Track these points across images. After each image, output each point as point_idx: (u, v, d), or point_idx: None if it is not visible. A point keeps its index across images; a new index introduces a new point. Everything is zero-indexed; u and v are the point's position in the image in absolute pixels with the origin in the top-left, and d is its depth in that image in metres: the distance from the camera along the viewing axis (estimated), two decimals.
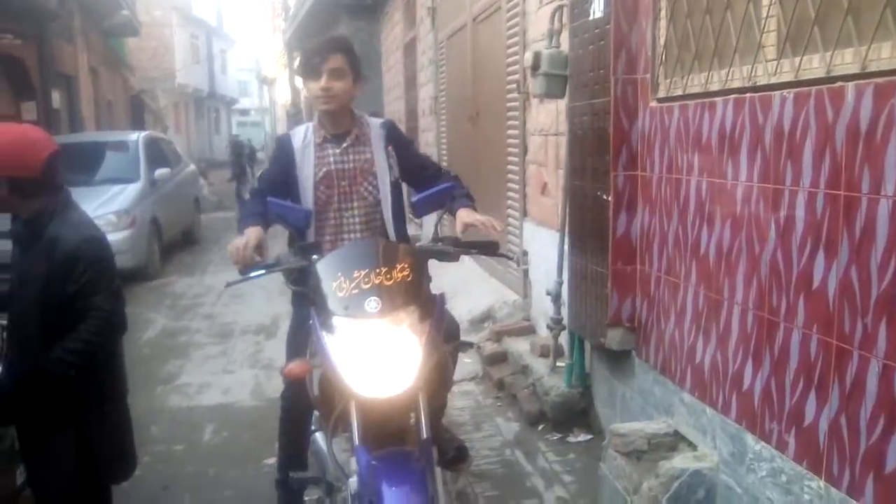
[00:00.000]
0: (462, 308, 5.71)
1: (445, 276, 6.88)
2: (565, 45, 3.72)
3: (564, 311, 3.92)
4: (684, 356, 2.80)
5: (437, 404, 2.70)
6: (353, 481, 2.11)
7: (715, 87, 2.50)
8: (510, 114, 5.25)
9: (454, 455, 3.10)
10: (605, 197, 3.18)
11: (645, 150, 3.04)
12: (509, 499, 3.21)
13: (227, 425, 4.15)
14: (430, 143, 8.84)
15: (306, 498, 2.66)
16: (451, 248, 2.43)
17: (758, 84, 2.26)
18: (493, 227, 2.51)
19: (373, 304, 2.07)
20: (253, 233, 2.51)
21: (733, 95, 2.38)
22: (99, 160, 9.09)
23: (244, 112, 44.79)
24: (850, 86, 1.87)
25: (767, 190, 2.24)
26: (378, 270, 2.12)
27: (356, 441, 2.08)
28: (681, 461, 2.65)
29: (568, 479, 3.35)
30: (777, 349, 2.24)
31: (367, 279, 2.11)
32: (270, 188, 2.77)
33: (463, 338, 5.25)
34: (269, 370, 4.94)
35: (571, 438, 3.72)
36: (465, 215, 2.58)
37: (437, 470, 2.13)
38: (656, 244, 3.00)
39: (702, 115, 2.57)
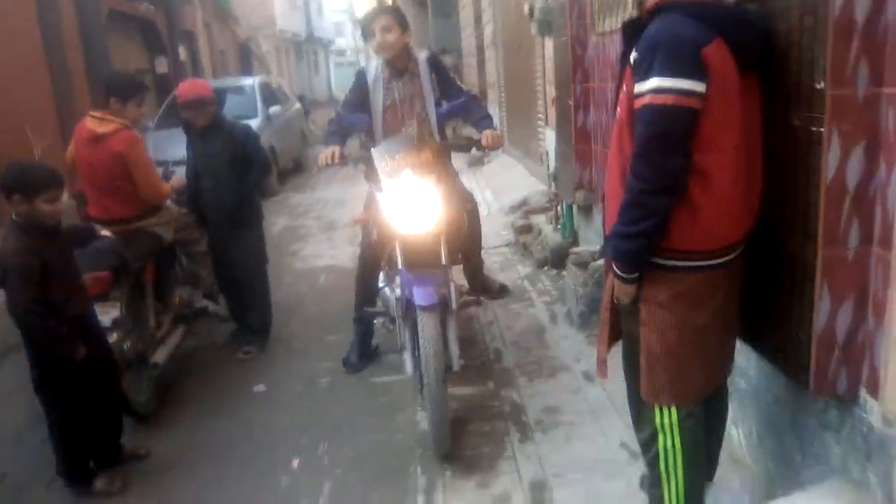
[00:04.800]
0: (507, 198, 7.46)
1: (500, 177, 8.58)
2: None
3: None
4: None
5: (463, 248, 3.91)
6: (398, 290, 3.38)
7: (607, 28, 4.05)
8: (536, 47, 6.79)
9: (500, 289, 4.76)
10: (569, 102, 4.78)
11: (591, 69, 4.61)
12: (512, 303, 4.94)
13: (332, 276, 6.10)
14: (492, 72, 10.39)
15: (375, 322, 4.07)
16: (459, 142, 3.85)
17: (614, 29, 3.82)
18: (500, 141, 3.77)
19: (407, 173, 3.13)
20: (334, 148, 3.61)
21: (613, 34, 3.94)
22: (224, 102, 11.11)
23: (340, 53, 46.48)
24: None
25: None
26: (410, 153, 3.19)
27: (399, 265, 3.23)
28: (601, 261, 4.30)
29: (554, 293, 5.05)
30: None
31: (403, 159, 3.18)
32: (350, 110, 3.89)
33: (506, 216, 6.96)
34: None
35: (563, 272, 5.39)
36: (488, 133, 3.67)
37: (451, 283, 3.25)
38: (599, 130, 4.59)
39: (605, 46, 4.13)
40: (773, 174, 2.08)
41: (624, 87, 2.07)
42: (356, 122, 3.83)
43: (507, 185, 8.06)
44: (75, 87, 10.08)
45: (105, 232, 3.52)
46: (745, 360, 2.63)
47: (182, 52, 15.24)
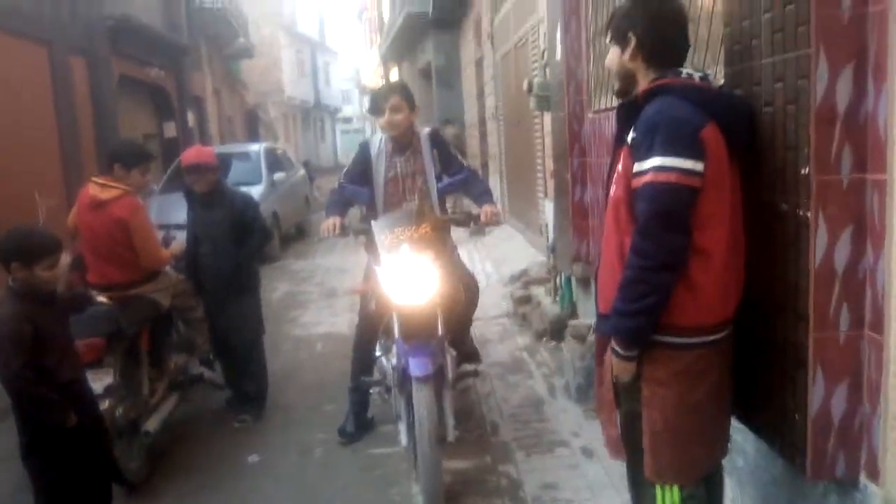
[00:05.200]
0: (507, 268, 7.49)
1: (500, 248, 8.63)
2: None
3: None
4: None
5: (457, 319, 3.83)
6: (393, 360, 3.43)
7: (602, 106, 4.15)
8: (535, 121, 6.95)
9: (472, 353, 4.69)
10: (567, 176, 4.85)
11: (588, 145, 4.70)
12: (510, 374, 4.93)
13: (331, 344, 6.07)
14: (493, 143, 10.59)
15: (371, 392, 3.99)
16: (458, 217, 3.92)
17: (609, 107, 3.92)
18: (499, 217, 3.82)
19: (405, 248, 3.23)
20: (335, 219, 3.70)
21: (608, 112, 4.03)
22: (229, 167, 11.28)
23: (346, 120, 47.31)
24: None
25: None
26: (409, 228, 3.30)
27: (396, 335, 3.30)
28: None
29: (552, 364, 5.02)
30: None
31: (402, 233, 3.28)
32: (351, 180, 3.92)
33: (505, 287, 6.96)
34: None
35: (562, 344, 5.37)
36: (487, 209, 3.73)
37: (448, 355, 3.37)
38: (596, 205, 4.64)
39: (601, 123, 4.22)
40: (761, 256, 2.11)
41: (620, 167, 2.12)
42: (357, 195, 3.89)
43: (507, 255, 8.12)
44: (83, 149, 10.28)
45: (101, 298, 3.53)
46: (743, 439, 2.61)
47: (190, 118, 15.56)
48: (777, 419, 2.13)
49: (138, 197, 3.94)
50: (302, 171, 14.45)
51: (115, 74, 11.88)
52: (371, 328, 3.89)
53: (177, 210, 4.47)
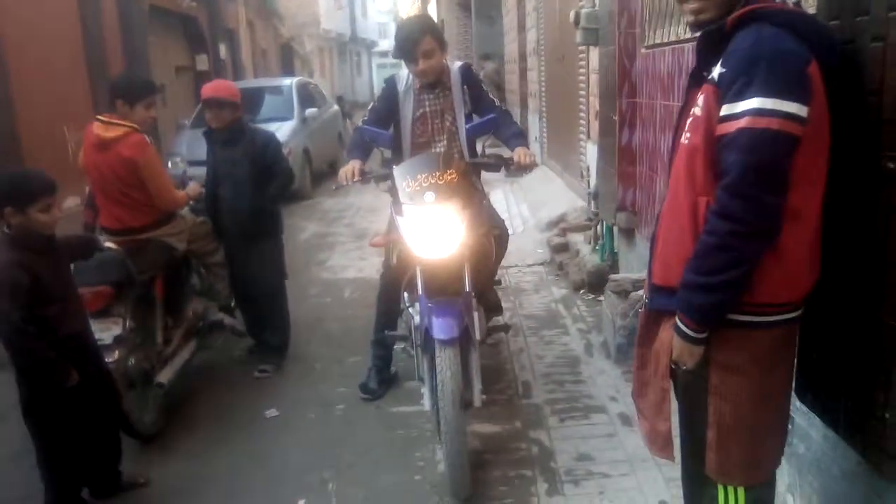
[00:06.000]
0: (544, 213, 7.15)
1: (537, 191, 8.27)
2: None
3: None
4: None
5: (483, 272, 3.45)
6: (417, 317, 3.17)
7: (658, 40, 3.73)
8: (580, 56, 6.47)
9: (490, 306, 4.35)
10: (614, 117, 4.47)
11: (640, 84, 4.29)
12: (544, 329, 4.65)
13: (359, 289, 5.84)
14: (533, 80, 10.08)
15: (396, 347, 3.88)
16: (489, 161, 3.51)
17: (666, 41, 3.50)
18: (533, 160, 3.50)
19: (429, 196, 2.95)
20: (355, 164, 3.42)
21: (665, 48, 3.62)
22: (261, 102, 11.01)
23: (383, 54, 46.36)
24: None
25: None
26: (433, 174, 3.01)
27: (420, 291, 3.02)
28: (643, 291, 3.98)
29: (590, 319, 4.74)
30: None
31: (426, 180, 2.99)
32: (376, 119, 3.62)
33: (542, 233, 6.64)
34: None
35: (601, 297, 5.07)
36: (520, 151, 3.42)
37: (476, 313, 3.08)
38: (646, 150, 4.27)
39: (656, 59, 3.81)
40: (851, 222, 1.76)
41: (698, 109, 1.75)
42: (376, 137, 3.49)
43: (544, 199, 7.75)
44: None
45: (109, 243, 3.30)
46: (807, 424, 2.31)
47: (223, 51, 15.19)
48: (859, 415, 1.82)
49: (145, 134, 3.66)
50: (335, 107, 14.10)
51: (146, 4, 11.53)
52: (394, 282, 3.60)
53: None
